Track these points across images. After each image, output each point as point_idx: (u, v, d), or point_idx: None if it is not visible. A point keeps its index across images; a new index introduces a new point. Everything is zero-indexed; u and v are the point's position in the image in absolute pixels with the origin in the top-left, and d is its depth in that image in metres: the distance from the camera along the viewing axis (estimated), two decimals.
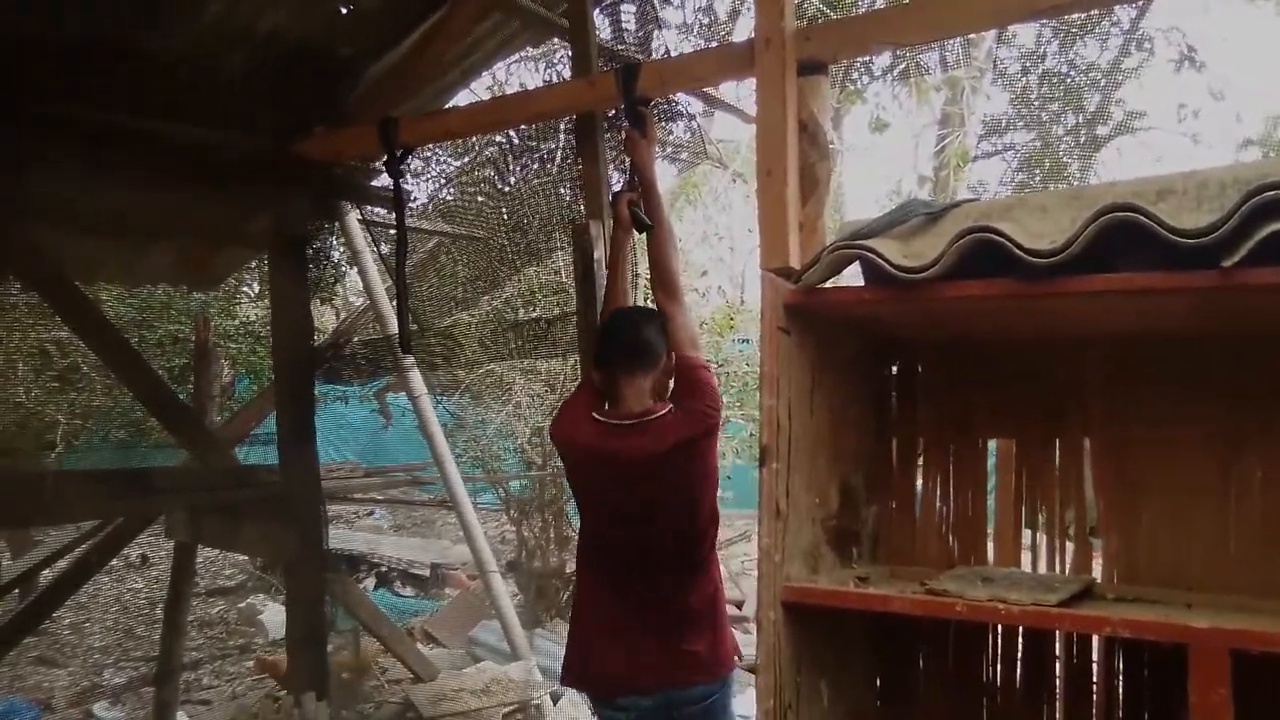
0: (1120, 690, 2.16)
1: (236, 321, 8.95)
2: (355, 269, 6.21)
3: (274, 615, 8.11)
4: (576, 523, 7.89)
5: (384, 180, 4.07)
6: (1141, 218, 1.58)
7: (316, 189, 4.31)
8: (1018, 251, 1.64)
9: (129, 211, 4.34)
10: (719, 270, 13.85)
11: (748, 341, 9.86)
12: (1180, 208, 1.68)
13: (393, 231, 4.00)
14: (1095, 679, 2.21)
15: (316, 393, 5.92)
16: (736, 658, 2.95)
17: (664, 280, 2.99)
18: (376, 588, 9.29)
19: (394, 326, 4.24)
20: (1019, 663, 2.26)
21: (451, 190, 5.04)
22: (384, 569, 9.48)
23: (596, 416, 2.87)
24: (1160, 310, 1.82)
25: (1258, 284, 1.52)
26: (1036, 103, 10.75)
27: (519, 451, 8.53)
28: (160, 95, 3.76)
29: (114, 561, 8.70)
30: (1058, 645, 2.24)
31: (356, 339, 5.85)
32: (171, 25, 3.64)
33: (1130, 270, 1.62)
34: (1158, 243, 1.59)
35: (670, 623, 2.86)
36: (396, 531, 11.43)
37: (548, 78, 7.53)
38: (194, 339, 6.19)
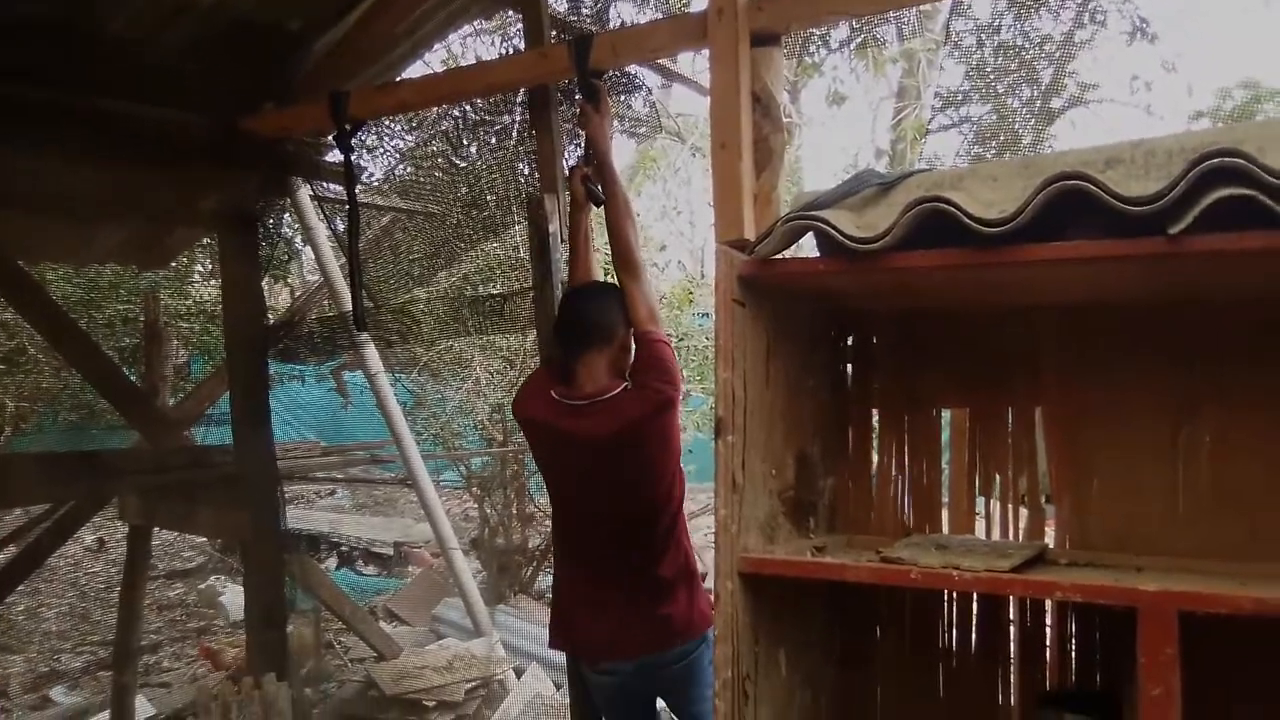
0: (1073, 653, 2.20)
1: (189, 301, 8.80)
2: (309, 246, 6.13)
3: (234, 597, 8.05)
4: (541, 499, 7.90)
5: (336, 156, 4.01)
6: (1090, 186, 1.59)
7: (266, 165, 4.23)
8: (967, 221, 1.65)
9: (74, 190, 4.24)
10: (679, 244, 13.84)
11: (708, 315, 9.87)
12: (1129, 176, 1.69)
13: (346, 207, 3.94)
14: (1048, 642, 2.25)
15: (272, 372, 5.85)
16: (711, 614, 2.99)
17: (621, 254, 2.98)
18: (339, 567, 9.25)
19: (349, 304, 4.18)
20: (974, 628, 2.29)
21: (406, 165, 4.97)
22: (345, 548, 9.44)
23: (554, 395, 2.87)
24: (1110, 278, 1.83)
25: (1204, 250, 1.54)
26: (991, 75, 10.81)
27: (479, 428, 8.50)
28: (105, 72, 3.67)
29: (69, 545, 8.59)
30: (1011, 610, 2.27)
31: (312, 316, 5.78)
32: (111, 2, 3.55)
33: (1080, 238, 1.64)
34: (1107, 211, 1.60)
35: (642, 592, 2.90)
36: (358, 510, 11.37)
37: (504, 51, 7.45)
38: (144, 319, 6.08)
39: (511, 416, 8.22)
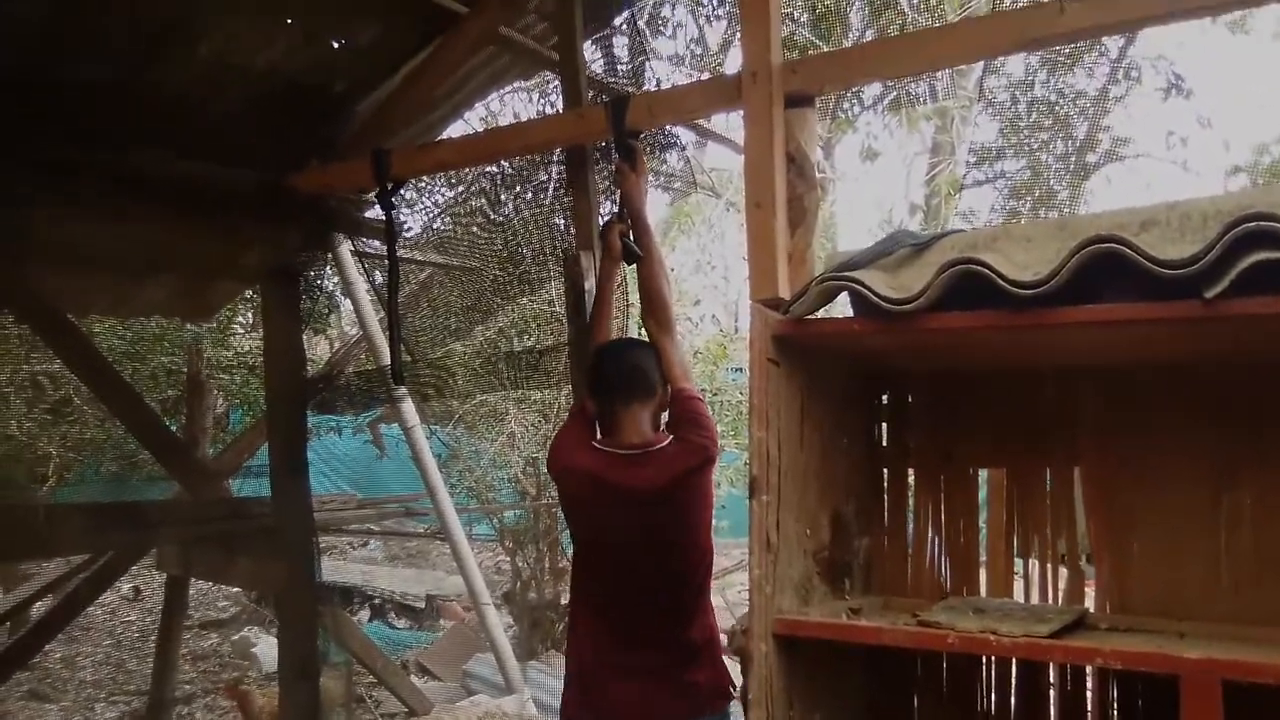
0: (1115, 718, 2.16)
1: (230, 353, 8.93)
2: (348, 300, 6.22)
3: (268, 648, 8.05)
4: (571, 554, 7.88)
5: (377, 212, 4.09)
6: (1124, 249, 1.60)
7: (309, 221, 4.32)
8: (1001, 283, 1.65)
9: (123, 245, 4.35)
10: (713, 298, 13.88)
11: (741, 370, 9.87)
12: (1163, 239, 1.70)
13: (385, 262, 4.00)
14: (1090, 708, 2.20)
15: (310, 424, 5.92)
16: (731, 688, 2.93)
17: (656, 311, 3.00)
18: (371, 620, 9.23)
19: (387, 357, 4.24)
20: (1013, 693, 2.26)
21: (445, 220, 5.05)
22: (378, 600, 9.42)
23: (597, 445, 2.84)
24: (1147, 340, 1.83)
25: (1240, 314, 1.53)
26: (1025, 131, 10.84)
27: (513, 482, 8.51)
28: (157, 132, 3.79)
29: (106, 595, 8.65)
30: (1052, 675, 2.23)
31: (350, 370, 5.85)
32: (169, 63, 3.67)
33: (1115, 301, 1.64)
34: (1142, 273, 1.60)
35: (671, 656, 2.84)
36: (391, 563, 11.37)
37: (541, 108, 7.58)
38: (186, 371, 6.18)
39: (545, 470, 8.28)
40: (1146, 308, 1.59)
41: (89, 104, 3.55)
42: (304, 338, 4.98)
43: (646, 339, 3.04)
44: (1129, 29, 4.17)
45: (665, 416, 2.92)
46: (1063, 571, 2.23)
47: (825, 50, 8.41)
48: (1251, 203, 1.63)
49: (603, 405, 2.89)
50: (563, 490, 2.99)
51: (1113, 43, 10.30)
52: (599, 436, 2.88)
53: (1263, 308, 1.52)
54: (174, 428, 6.48)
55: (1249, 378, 1.99)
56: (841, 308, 2.07)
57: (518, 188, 4.63)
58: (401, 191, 4.01)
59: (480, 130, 5.90)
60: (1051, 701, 2.23)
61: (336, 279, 6.15)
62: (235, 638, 8.95)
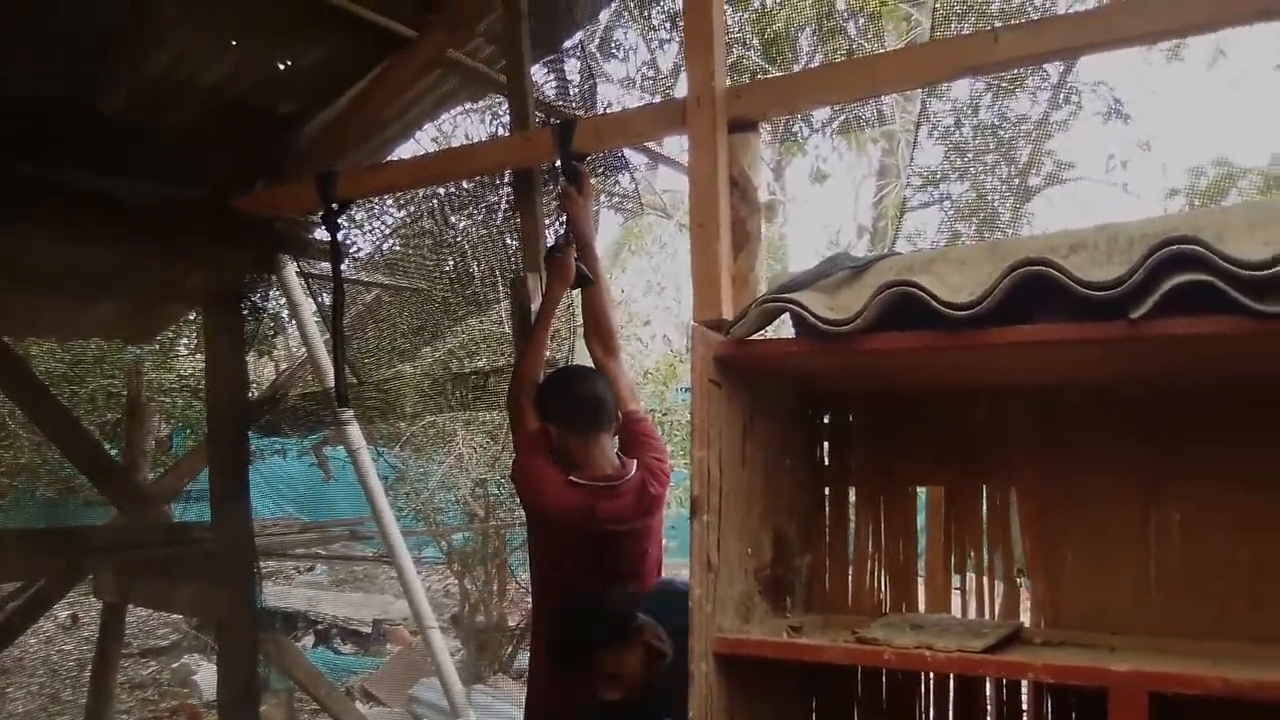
0: None
1: (173, 375, 8.78)
2: (294, 322, 6.16)
3: (209, 675, 7.88)
4: (522, 576, 7.82)
5: (324, 233, 4.06)
6: (1053, 271, 1.64)
7: (254, 243, 4.28)
8: (935, 304, 1.69)
9: (63, 265, 4.28)
10: (664, 319, 13.95)
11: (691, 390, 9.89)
12: (1091, 261, 1.74)
13: (332, 284, 3.97)
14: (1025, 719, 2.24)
15: (254, 447, 5.83)
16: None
17: (603, 335, 3.01)
18: (316, 645, 9.08)
19: (332, 379, 4.20)
20: (950, 707, 2.28)
21: (395, 242, 5.03)
22: (323, 626, 9.28)
23: (576, 480, 2.81)
24: (1077, 360, 1.88)
25: (1164, 334, 1.58)
26: (969, 155, 11.05)
27: (461, 504, 8.45)
28: (99, 150, 3.73)
29: (42, 623, 8.42)
30: (988, 689, 2.27)
31: (295, 392, 5.78)
32: (112, 81, 3.63)
33: (1045, 322, 1.68)
34: (1071, 295, 1.65)
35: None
36: (337, 587, 11.21)
37: (493, 130, 7.58)
38: (126, 394, 6.07)
39: (495, 492, 8.23)
40: (1074, 328, 1.63)
41: (28, 121, 3.49)
42: (249, 360, 4.93)
43: (591, 361, 3.05)
44: (1059, 58, 4.29)
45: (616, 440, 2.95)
46: (999, 587, 2.27)
47: (770, 76, 8.52)
48: (1176, 226, 1.68)
49: (570, 435, 2.86)
50: (548, 528, 2.93)
51: (1054, 68, 10.55)
52: (566, 468, 2.85)
53: (1184, 328, 1.56)
54: (114, 451, 6.35)
55: (1174, 398, 2.05)
56: (788, 330, 2.09)
57: (468, 209, 4.63)
58: (350, 213, 3.99)
59: (431, 151, 5.88)
60: (988, 715, 2.26)
61: (282, 300, 6.08)
62: (175, 665, 8.76)
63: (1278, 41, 11.98)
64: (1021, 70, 9.72)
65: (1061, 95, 11.04)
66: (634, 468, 2.81)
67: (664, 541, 3.10)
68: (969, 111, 11.05)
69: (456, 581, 8.73)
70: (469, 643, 8.09)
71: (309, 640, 9.11)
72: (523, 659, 7.84)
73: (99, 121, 3.66)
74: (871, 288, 1.80)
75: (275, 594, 9.26)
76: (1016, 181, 11.45)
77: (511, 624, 8.20)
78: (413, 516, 8.43)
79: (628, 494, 2.78)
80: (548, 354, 3.25)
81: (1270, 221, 1.66)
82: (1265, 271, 1.52)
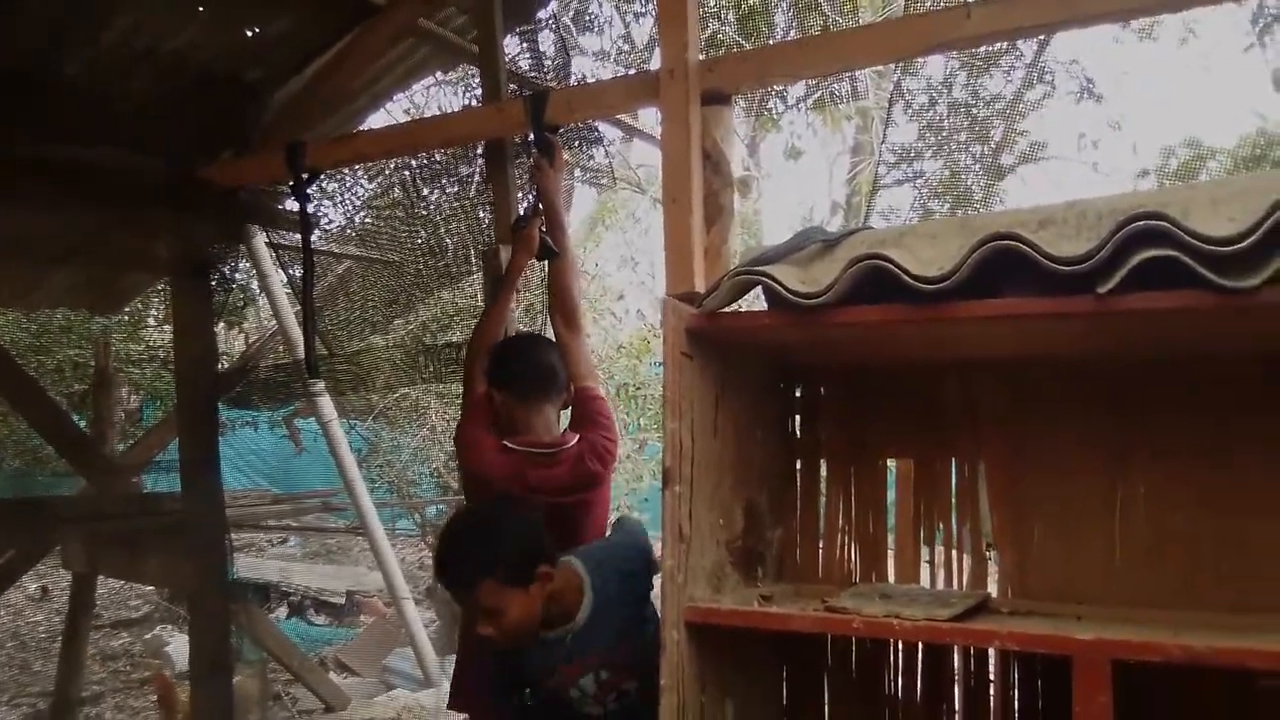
0: (1016, 700, 2.23)
1: (141, 346, 8.70)
2: (264, 293, 6.11)
3: (181, 647, 7.85)
4: None
5: (294, 203, 4.02)
6: (1022, 245, 1.66)
7: (222, 213, 4.22)
8: (906, 278, 1.70)
9: (27, 234, 4.21)
10: (640, 293, 13.93)
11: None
12: (1060, 236, 1.76)
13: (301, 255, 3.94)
14: (992, 691, 2.28)
15: (224, 418, 5.79)
16: None
17: (566, 309, 3.00)
18: (289, 617, 9.07)
19: (302, 350, 4.17)
20: (919, 677, 2.32)
21: (367, 213, 4.99)
22: (296, 597, 9.26)
23: (510, 445, 2.81)
24: (1046, 334, 1.90)
25: (1130, 309, 1.60)
26: (944, 132, 11.08)
27: (435, 475, 8.44)
28: (61, 119, 3.67)
29: (11, 594, 8.35)
30: (956, 659, 2.30)
31: (265, 363, 5.74)
32: (72, 48, 3.56)
33: (1014, 296, 1.70)
34: (1041, 270, 1.66)
35: None
36: (310, 559, 11.18)
37: (467, 101, 7.52)
38: (94, 365, 6.01)
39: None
40: (1042, 302, 1.65)
41: None
42: (218, 331, 4.88)
43: (553, 336, 3.04)
44: (1031, 34, 4.30)
45: (568, 415, 2.95)
46: (968, 559, 2.31)
47: (744, 49, 8.49)
48: (1144, 202, 1.69)
49: (513, 401, 2.87)
50: (476, 489, 2.95)
51: (1028, 48, 10.58)
52: (508, 435, 2.86)
53: (1150, 303, 1.59)
54: (82, 422, 6.29)
55: (1141, 372, 2.08)
56: (761, 304, 2.10)
57: (441, 181, 4.60)
58: (320, 184, 3.94)
59: (402, 122, 5.83)
60: (956, 685, 2.30)
61: (252, 271, 6.03)
62: (147, 636, 8.73)
63: (1246, 23, 12.04)
64: (995, 48, 9.75)
65: (1035, 74, 11.08)
66: (574, 440, 2.81)
67: (638, 515, 3.11)
68: (943, 89, 11.08)
69: (430, 554, 8.73)
70: (443, 613, 8.11)
71: (282, 612, 9.10)
72: None
73: (59, 89, 3.59)
74: (843, 261, 1.81)
75: (248, 566, 9.24)
76: (990, 160, 11.51)
77: None
78: (386, 489, 8.42)
79: (563, 464, 2.76)
80: (522, 327, 3.25)
81: (1234, 198, 1.68)
82: (1229, 247, 1.54)
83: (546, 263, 3.12)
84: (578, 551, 2.49)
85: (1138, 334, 1.87)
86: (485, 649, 2.49)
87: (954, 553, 2.32)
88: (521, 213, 3.31)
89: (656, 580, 2.42)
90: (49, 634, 8.79)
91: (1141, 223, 1.60)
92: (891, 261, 1.72)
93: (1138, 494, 2.12)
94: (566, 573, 2.38)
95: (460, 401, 3.38)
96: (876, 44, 2.63)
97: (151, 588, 9.21)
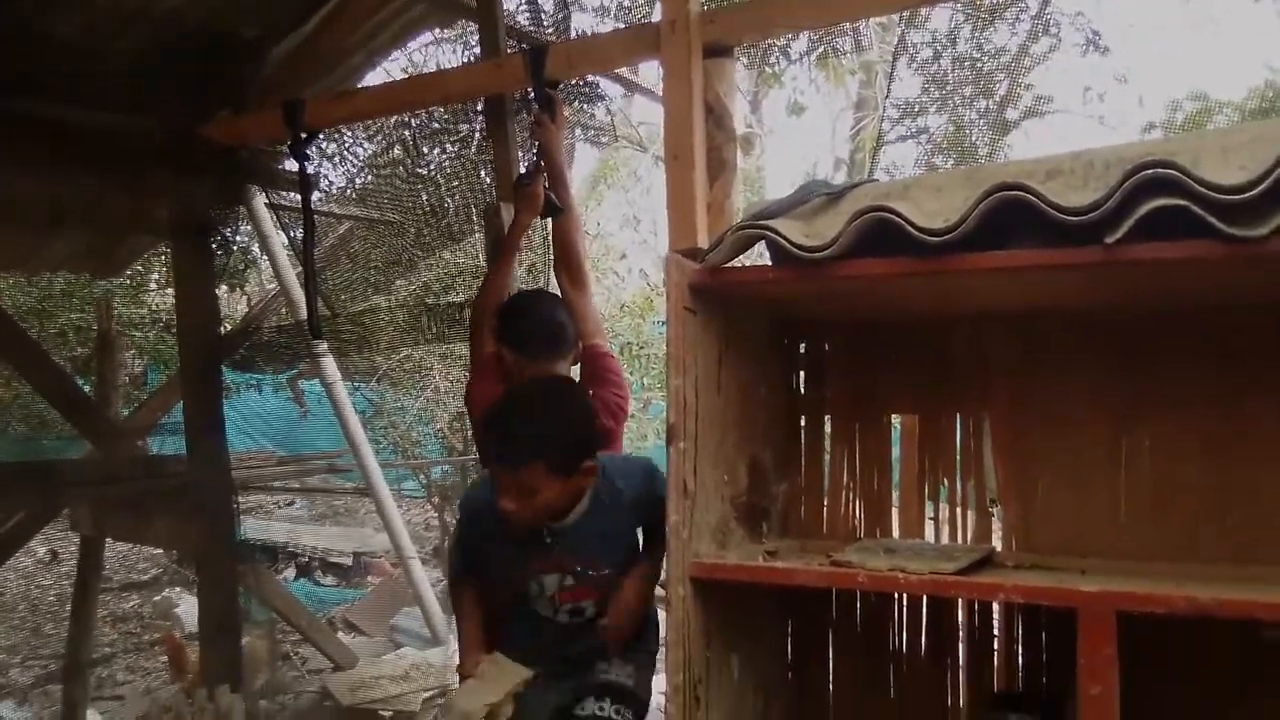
0: (1020, 653, 2.24)
1: (144, 310, 8.69)
2: (266, 255, 6.09)
3: (190, 609, 7.93)
4: None
5: (293, 164, 3.99)
6: (1029, 195, 1.63)
7: (221, 173, 4.20)
8: (911, 230, 1.68)
9: (26, 197, 4.18)
10: (643, 253, 13.89)
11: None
12: (1068, 186, 1.73)
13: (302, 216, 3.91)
14: (997, 646, 2.28)
15: (228, 381, 5.79)
16: None
17: (570, 266, 2.99)
18: (297, 578, 9.15)
19: (305, 312, 4.16)
20: (923, 631, 2.33)
21: (367, 173, 4.96)
22: (304, 559, 9.34)
23: None
24: (1053, 286, 1.87)
25: (1139, 259, 1.58)
26: (948, 87, 10.97)
27: (439, 436, 8.46)
28: (57, 79, 3.64)
29: (20, 558, 8.42)
30: (960, 613, 2.31)
31: (268, 325, 5.73)
32: (66, 7, 3.51)
33: (1021, 248, 1.67)
34: (1048, 221, 1.64)
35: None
36: (318, 520, 11.26)
37: (466, 59, 7.44)
38: (96, 328, 6.00)
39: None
40: (1049, 253, 1.63)
41: None
42: (220, 293, 4.87)
43: (559, 292, 3.03)
44: None
45: (576, 370, 2.94)
46: (972, 515, 2.30)
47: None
48: (1151, 151, 1.67)
49: (523, 360, 2.86)
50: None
51: None
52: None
53: (1158, 253, 1.56)
54: (86, 386, 6.30)
55: (1148, 324, 2.06)
56: (765, 259, 2.07)
57: (441, 140, 4.56)
58: (320, 144, 3.91)
59: (400, 79, 5.78)
60: (960, 640, 2.31)
61: (252, 233, 6.00)
62: (157, 599, 8.81)
63: None
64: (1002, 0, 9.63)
65: (1040, 26, 10.94)
66: None
67: None
68: (947, 43, 10.95)
69: (436, 515, 8.78)
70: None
71: (290, 573, 9.18)
72: None
73: (52, 50, 3.55)
74: (847, 214, 1.79)
75: (255, 528, 9.31)
76: (995, 114, 11.40)
77: None
78: (391, 450, 8.45)
79: None
80: (524, 287, 3.23)
81: (1244, 146, 1.65)
82: (1238, 196, 1.51)
83: (550, 220, 3.10)
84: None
85: (1146, 285, 1.85)
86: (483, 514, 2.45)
87: (958, 508, 2.31)
88: (523, 170, 3.28)
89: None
90: (59, 598, 8.88)
91: (1150, 171, 1.57)
92: (897, 213, 1.70)
93: (1143, 446, 2.11)
94: None
95: (466, 361, 3.38)
96: None
97: (160, 550, 9.29)
